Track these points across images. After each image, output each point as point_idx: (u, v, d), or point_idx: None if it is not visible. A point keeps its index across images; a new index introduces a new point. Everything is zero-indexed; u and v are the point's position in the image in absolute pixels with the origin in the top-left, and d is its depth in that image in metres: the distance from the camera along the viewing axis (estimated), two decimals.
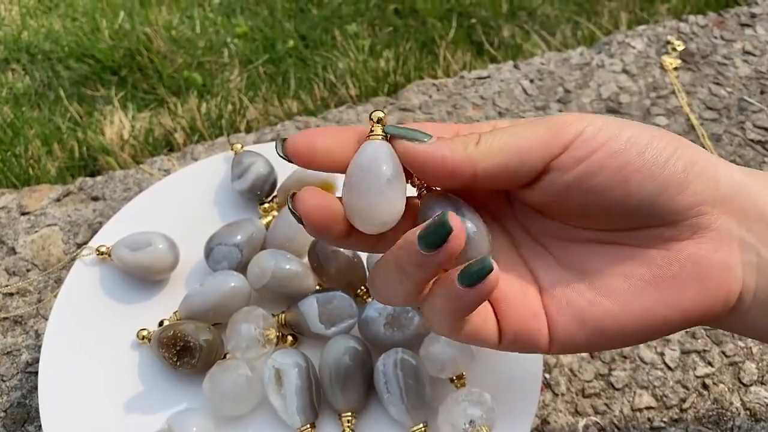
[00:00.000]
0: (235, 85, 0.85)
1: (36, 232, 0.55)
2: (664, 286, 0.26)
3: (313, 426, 0.37)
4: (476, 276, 0.24)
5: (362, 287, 0.42)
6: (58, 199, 0.57)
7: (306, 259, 0.43)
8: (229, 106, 0.77)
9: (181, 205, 0.47)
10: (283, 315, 0.41)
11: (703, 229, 0.26)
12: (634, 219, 0.26)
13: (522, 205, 0.29)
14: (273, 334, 0.39)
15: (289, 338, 0.41)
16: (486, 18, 1.00)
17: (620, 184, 0.25)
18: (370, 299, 0.42)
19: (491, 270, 0.24)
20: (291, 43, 0.94)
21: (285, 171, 0.46)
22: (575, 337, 0.27)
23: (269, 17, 1.00)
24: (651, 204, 0.26)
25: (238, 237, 0.42)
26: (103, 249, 0.44)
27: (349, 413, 0.37)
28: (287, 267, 0.41)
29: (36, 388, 0.47)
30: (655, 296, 0.26)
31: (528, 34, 0.96)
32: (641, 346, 0.49)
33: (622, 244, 0.27)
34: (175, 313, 0.41)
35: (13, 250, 0.54)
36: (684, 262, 0.26)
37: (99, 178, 0.59)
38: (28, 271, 0.53)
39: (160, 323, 0.41)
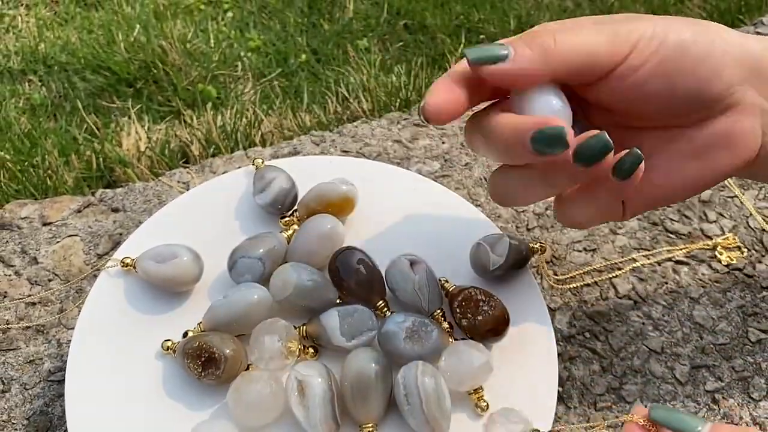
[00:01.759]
0: (248, 98, 0.87)
1: (57, 242, 0.56)
2: (702, 157, 0.33)
3: None
4: (630, 169, 0.30)
5: (382, 301, 0.43)
6: (79, 210, 0.59)
7: (327, 273, 0.44)
8: (244, 119, 0.78)
9: (204, 218, 0.48)
10: (305, 327, 0.42)
11: (733, 106, 0.32)
12: (677, 111, 0.32)
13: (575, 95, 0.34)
14: (295, 346, 0.40)
15: (311, 350, 0.42)
16: (494, 34, 1.01)
17: (667, 86, 0.31)
18: (389, 313, 0.43)
19: (641, 159, 0.30)
20: (303, 57, 0.96)
21: (306, 186, 0.48)
22: (636, 209, 0.36)
23: (282, 31, 1.02)
24: (693, 97, 0.31)
25: (261, 250, 0.43)
26: (128, 261, 0.45)
27: (370, 424, 0.38)
28: (309, 280, 0.42)
29: (58, 396, 0.47)
30: (694, 166, 0.33)
31: None
32: (651, 360, 0.50)
33: (666, 127, 0.34)
34: (199, 324, 0.42)
35: (35, 260, 0.55)
36: (717, 135, 0.32)
37: (119, 190, 0.60)
38: (49, 281, 0.54)
39: (185, 334, 0.42)
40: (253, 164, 0.49)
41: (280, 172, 0.48)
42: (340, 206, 0.46)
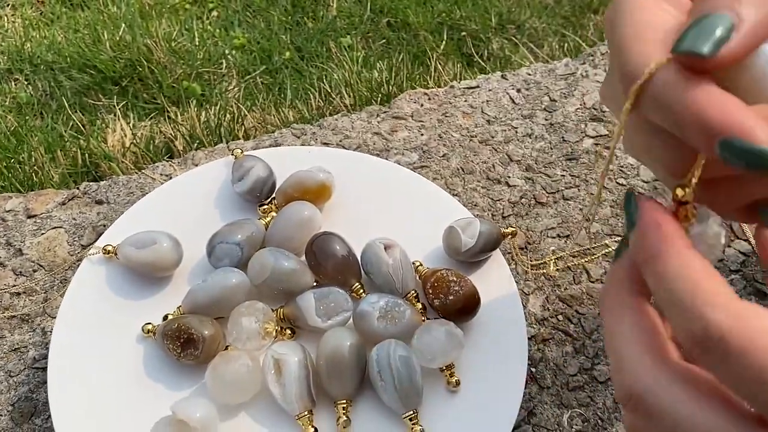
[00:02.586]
0: (233, 95, 0.88)
1: (42, 234, 0.57)
2: None
3: (310, 413, 0.39)
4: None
5: (357, 283, 0.44)
6: (64, 203, 0.60)
7: (304, 257, 0.45)
8: (228, 115, 0.79)
9: (184, 207, 0.49)
10: (282, 309, 0.43)
11: None
12: None
13: None
14: (272, 327, 0.41)
15: (288, 331, 0.43)
16: (476, 31, 1.03)
17: None
18: (365, 295, 0.44)
19: None
20: (287, 54, 0.97)
21: (285, 175, 0.49)
22: None
23: (266, 30, 1.03)
24: None
25: (239, 236, 0.45)
26: (110, 248, 0.46)
27: (345, 401, 0.39)
28: (286, 264, 0.43)
29: (43, 383, 0.48)
30: None
31: (516, 46, 0.99)
32: None
33: None
34: (178, 307, 0.43)
35: (20, 252, 0.56)
36: None
37: (103, 183, 0.61)
38: (34, 271, 0.55)
39: (165, 317, 0.43)
40: (233, 154, 0.50)
41: (258, 161, 0.49)
42: (317, 193, 0.48)
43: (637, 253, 0.22)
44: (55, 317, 0.52)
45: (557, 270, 0.54)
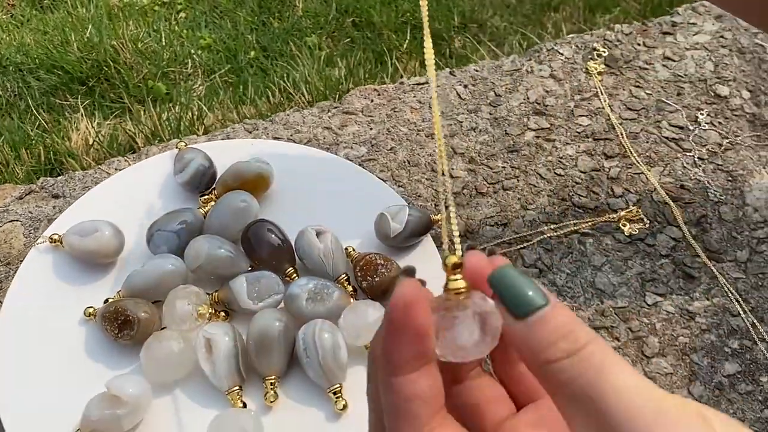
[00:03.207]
0: (197, 94, 0.90)
1: None
2: None
3: (240, 388, 0.41)
4: None
5: (291, 268, 0.47)
6: (21, 197, 0.62)
7: (240, 245, 0.47)
8: (189, 113, 0.81)
9: (129, 197, 0.51)
10: (217, 293, 0.45)
11: None
12: None
13: None
14: (205, 309, 0.43)
15: (222, 314, 0.45)
16: (439, 30, 1.05)
17: None
18: (296, 278, 0.46)
19: None
20: (252, 53, 0.99)
21: (223, 165, 0.51)
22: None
23: (233, 30, 1.05)
24: None
25: (176, 224, 0.47)
26: (56, 237, 0.48)
27: (273, 377, 0.42)
28: (220, 250, 0.45)
29: None
30: None
31: (478, 45, 1.01)
32: None
33: None
34: (118, 292, 0.45)
35: None
36: None
37: (60, 178, 0.63)
38: None
39: (105, 301, 0.45)
40: (176, 147, 0.53)
41: (199, 152, 0.51)
42: (254, 183, 0.50)
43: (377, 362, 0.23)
44: (3, 300, 0.54)
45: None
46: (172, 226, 0.47)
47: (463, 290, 0.22)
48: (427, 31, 0.24)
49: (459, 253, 0.23)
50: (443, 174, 0.25)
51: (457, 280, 0.23)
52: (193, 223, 0.47)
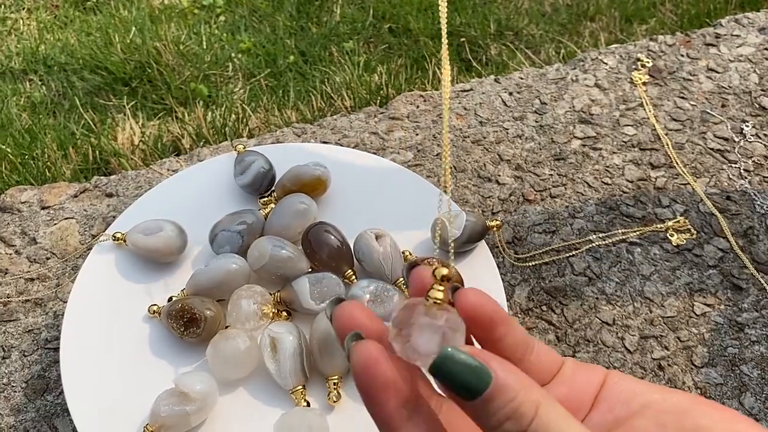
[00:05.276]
0: (238, 97, 0.91)
1: (55, 224, 0.60)
2: None
3: (303, 387, 0.42)
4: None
5: (350, 270, 0.47)
6: (75, 195, 0.63)
7: (300, 246, 0.48)
8: (233, 116, 0.83)
9: (189, 198, 0.52)
10: (279, 293, 0.46)
11: None
12: None
13: None
14: (269, 308, 0.44)
15: (284, 314, 0.46)
16: (475, 37, 1.06)
17: None
18: (356, 280, 0.47)
19: None
20: (291, 58, 1.00)
21: (284, 170, 0.52)
22: None
23: (271, 34, 1.07)
24: None
25: (240, 225, 0.48)
26: (119, 235, 0.49)
27: (336, 377, 0.42)
28: (283, 251, 0.46)
29: (54, 362, 0.52)
30: None
31: (514, 52, 1.02)
32: (603, 331, 0.54)
33: None
34: (182, 290, 0.46)
35: (34, 240, 0.59)
36: None
37: (113, 177, 0.64)
38: (47, 259, 0.58)
39: (169, 299, 0.46)
40: (235, 149, 0.54)
41: (259, 155, 0.52)
42: (313, 186, 0.51)
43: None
44: (66, 302, 0.55)
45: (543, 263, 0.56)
46: (235, 227, 0.47)
47: (439, 301, 0.23)
48: (444, 38, 0.25)
49: (452, 265, 0.25)
50: (445, 185, 0.27)
51: (439, 290, 0.23)
52: (254, 225, 0.48)
